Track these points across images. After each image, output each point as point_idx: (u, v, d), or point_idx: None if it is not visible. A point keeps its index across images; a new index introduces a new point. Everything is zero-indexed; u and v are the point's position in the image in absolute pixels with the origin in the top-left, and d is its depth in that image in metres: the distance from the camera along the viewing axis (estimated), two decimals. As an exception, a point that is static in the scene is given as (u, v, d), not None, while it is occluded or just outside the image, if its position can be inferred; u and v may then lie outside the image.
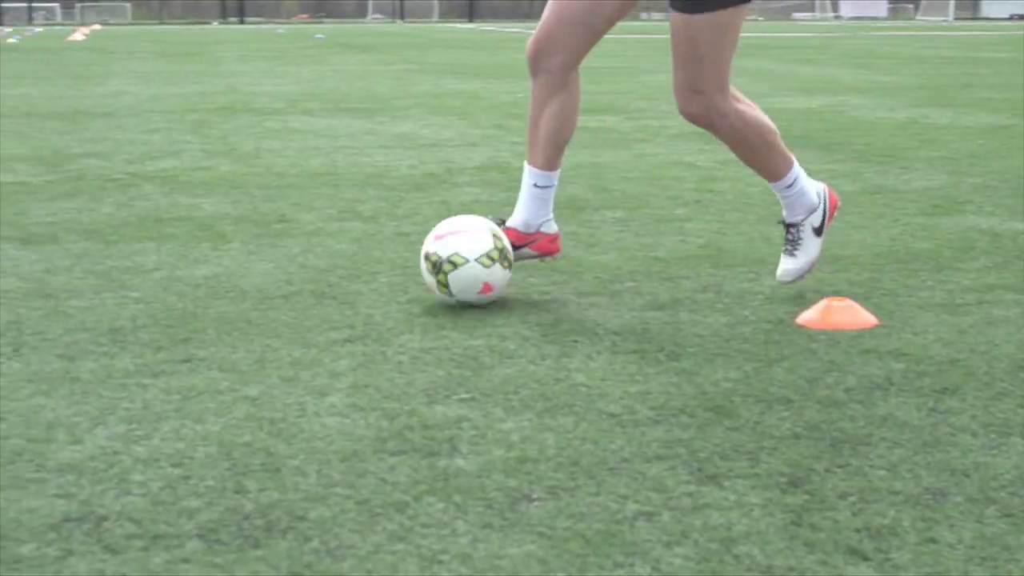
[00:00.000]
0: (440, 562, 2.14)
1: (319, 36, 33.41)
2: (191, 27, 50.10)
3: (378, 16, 65.83)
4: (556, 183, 3.99)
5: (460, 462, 2.59)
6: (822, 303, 3.72)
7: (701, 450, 2.66)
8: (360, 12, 68.26)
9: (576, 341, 3.51)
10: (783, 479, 2.50)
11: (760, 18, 61.34)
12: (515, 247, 3.94)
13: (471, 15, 64.27)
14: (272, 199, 5.93)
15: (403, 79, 14.92)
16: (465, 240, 3.80)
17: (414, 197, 6.00)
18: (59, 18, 63.43)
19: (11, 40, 30.40)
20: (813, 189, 3.99)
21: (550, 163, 3.93)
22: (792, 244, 3.98)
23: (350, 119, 9.92)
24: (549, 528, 2.27)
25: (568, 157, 7.49)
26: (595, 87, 12.92)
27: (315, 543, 2.21)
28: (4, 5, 60.88)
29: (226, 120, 9.84)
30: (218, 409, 2.93)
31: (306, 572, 2.11)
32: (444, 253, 3.78)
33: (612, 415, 2.88)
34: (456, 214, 5.27)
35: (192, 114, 10.38)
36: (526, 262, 4.10)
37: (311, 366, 3.27)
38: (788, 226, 3.99)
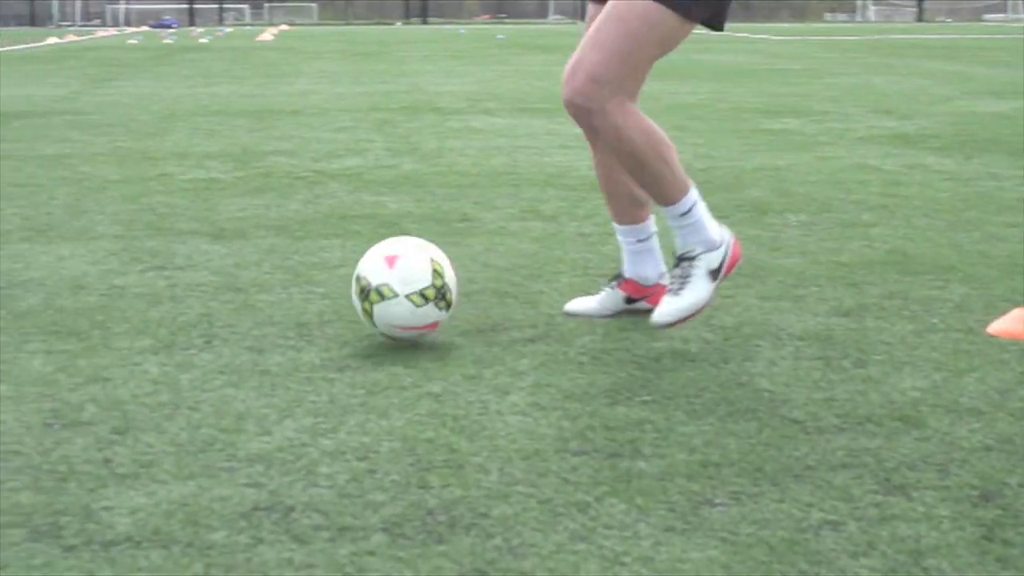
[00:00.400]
0: (622, 563, 2.14)
1: (500, 36, 33.65)
2: (375, 27, 50.92)
3: (559, 16, 66.03)
4: (655, 228, 3.80)
5: (642, 464, 2.58)
6: (1015, 312, 3.61)
7: (888, 460, 2.60)
8: (541, 12, 68.58)
9: (759, 346, 3.47)
10: (974, 492, 2.44)
11: (949, 20, 59.89)
12: (631, 300, 3.79)
13: (651, 15, 63.97)
14: (454, 198, 5.99)
15: (583, 80, 14.90)
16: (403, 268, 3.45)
17: (595, 198, 5.99)
18: (248, 19, 65.05)
19: (203, 40, 31.27)
20: (716, 228, 3.49)
21: (638, 216, 3.76)
22: (680, 280, 3.44)
23: (530, 119, 9.97)
24: (732, 534, 2.25)
25: (750, 159, 7.36)
26: (777, 89, 12.77)
27: (497, 540, 2.23)
28: (196, 7, 62.69)
29: (409, 119, 9.98)
30: (402, 404, 2.97)
31: (488, 569, 2.13)
32: (399, 287, 3.43)
33: (796, 421, 2.84)
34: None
35: (376, 113, 10.54)
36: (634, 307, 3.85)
37: (493, 364, 3.29)
38: (679, 259, 3.47)
